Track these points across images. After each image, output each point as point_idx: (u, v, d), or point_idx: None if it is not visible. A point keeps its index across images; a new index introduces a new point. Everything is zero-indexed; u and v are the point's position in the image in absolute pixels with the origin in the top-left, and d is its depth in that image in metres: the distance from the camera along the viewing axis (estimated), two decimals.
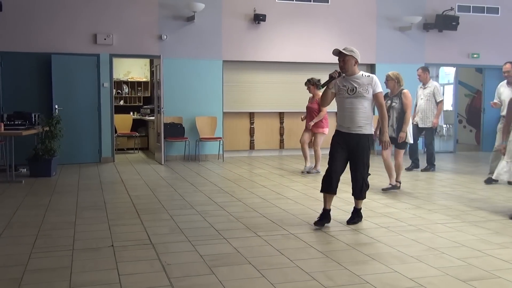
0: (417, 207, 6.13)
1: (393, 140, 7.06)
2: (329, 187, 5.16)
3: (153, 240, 4.65)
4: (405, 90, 7.07)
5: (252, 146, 11.57)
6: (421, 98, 9.02)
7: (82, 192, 7.08)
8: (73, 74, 9.98)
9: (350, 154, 5.11)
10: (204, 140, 10.75)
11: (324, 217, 5.17)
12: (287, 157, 11.31)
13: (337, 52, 5.07)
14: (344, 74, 5.09)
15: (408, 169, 9.07)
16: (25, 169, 8.75)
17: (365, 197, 5.28)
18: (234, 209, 5.98)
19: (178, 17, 10.62)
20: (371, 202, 6.34)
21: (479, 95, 13.39)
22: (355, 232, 4.97)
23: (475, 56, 12.56)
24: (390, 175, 7.15)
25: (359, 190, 5.19)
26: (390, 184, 7.14)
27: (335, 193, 5.21)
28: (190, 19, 10.55)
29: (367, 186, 5.22)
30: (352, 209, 5.41)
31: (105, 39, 10.16)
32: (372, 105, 5.15)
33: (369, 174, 5.25)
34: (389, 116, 6.90)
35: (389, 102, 7.09)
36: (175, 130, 10.53)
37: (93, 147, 10.26)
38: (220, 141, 10.92)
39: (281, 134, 11.75)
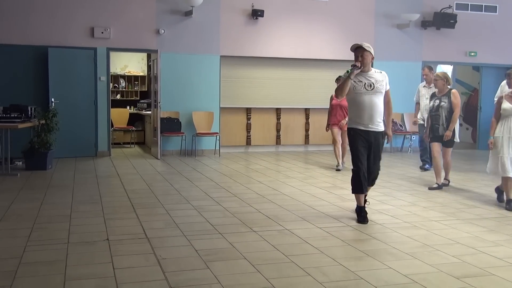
0: (413, 204, 6.15)
1: (439, 139, 7.15)
2: (362, 188, 5.25)
3: (149, 234, 4.65)
4: (454, 90, 7.07)
5: (248, 142, 11.57)
6: (426, 98, 8.58)
7: (77, 186, 7.07)
8: (70, 67, 9.94)
9: (369, 150, 5.21)
10: (201, 135, 10.74)
11: (364, 213, 5.28)
12: (284, 153, 11.31)
13: (354, 48, 5.14)
14: (360, 68, 5.11)
15: (422, 168, 9.01)
16: (20, 162, 8.73)
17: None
18: (230, 204, 5.98)
19: (176, 11, 10.59)
20: (367, 199, 6.34)
21: (476, 93, 13.41)
22: (350, 229, 4.98)
23: (472, 54, 12.57)
24: (437, 175, 7.23)
25: (374, 179, 5.41)
26: (436, 183, 7.19)
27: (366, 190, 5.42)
28: (188, 13, 10.52)
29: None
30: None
31: (102, 32, 10.12)
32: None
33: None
34: (439, 115, 7.06)
35: (437, 101, 7.10)
36: (171, 125, 10.51)
37: (89, 141, 10.23)
38: (216, 136, 10.91)
39: (278, 130, 11.74)
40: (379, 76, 5.18)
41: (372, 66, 5.24)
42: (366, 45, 5.12)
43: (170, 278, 3.54)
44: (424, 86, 8.98)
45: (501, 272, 3.76)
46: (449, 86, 7.11)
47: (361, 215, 5.24)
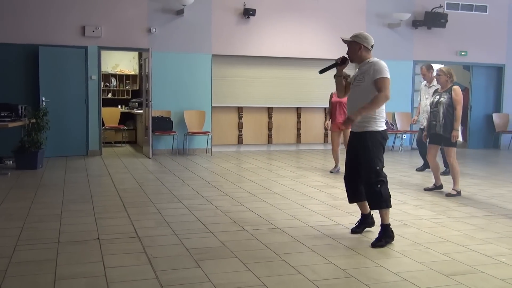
0: (404, 202, 6.17)
1: (439, 138, 6.74)
2: (349, 197, 4.74)
3: (140, 233, 4.64)
4: (455, 86, 6.67)
5: (240, 141, 11.57)
6: (426, 98, 8.48)
7: (68, 185, 7.04)
8: (60, 66, 9.89)
9: (357, 155, 4.50)
10: (192, 134, 10.73)
11: (363, 223, 4.79)
12: (275, 152, 11.32)
13: (343, 40, 4.59)
14: (343, 63, 4.59)
15: (419, 169, 8.77)
16: (11, 161, 8.67)
17: (380, 208, 4.38)
18: (221, 203, 5.98)
19: (168, 10, 10.56)
20: None
21: (467, 92, 13.49)
22: (341, 227, 4.99)
23: (463, 53, 12.64)
24: (436, 178, 6.90)
25: (369, 198, 4.47)
26: (453, 189, 6.70)
27: (360, 200, 4.68)
28: (180, 12, 10.50)
29: (380, 194, 4.35)
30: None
31: (93, 31, 10.08)
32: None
33: (382, 181, 4.38)
34: (437, 112, 6.66)
35: (437, 97, 6.72)
36: (163, 124, 10.49)
37: (80, 140, 10.18)
38: (208, 135, 10.90)
39: (270, 129, 11.75)
40: (366, 66, 4.45)
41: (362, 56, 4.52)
42: (353, 35, 4.49)
43: (161, 277, 3.53)
44: (425, 85, 8.67)
45: (490, 270, 3.79)
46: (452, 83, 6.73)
47: (356, 223, 4.85)
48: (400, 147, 12.07)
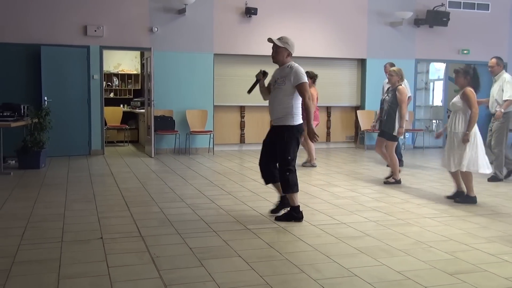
0: (406, 201, 6.17)
1: (381, 133, 7.31)
2: (264, 179, 5.33)
3: (143, 232, 4.65)
4: (400, 86, 7.10)
5: (242, 140, 11.57)
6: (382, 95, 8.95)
7: (71, 185, 7.05)
8: (62, 65, 9.90)
9: (275, 146, 5.09)
10: (195, 133, 10.73)
11: (281, 204, 5.35)
12: None
13: (271, 41, 5.10)
14: (267, 73, 5.31)
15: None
16: (13, 161, 8.68)
17: (288, 192, 5.07)
18: (224, 202, 5.99)
19: (169, 9, 10.57)
20: (361, 197, 6.38)
21: None
22: (344, 226, 4.99)
23: (465, 52, 12.63)
24: (394, 169, 7.33)
25: (281, 183, 5.11)
26: (392, 178, 7.33)
27: (274, 182, 5.25)
28: (181, 11, 10.50)
29: (288, 181, 5.00)
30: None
31: (95, 31, 10.09)
32: (295, 96, 4.99)
33: (290, 170, 4.99)
34: (383, 109, 7.31)
35: (385, 95, 7.34)
36: (165, 123, 10.49)
37: (83, 140, 10.19)
38: (210, 134, 10.90)
39: None
40: (286, 70, 5.04)
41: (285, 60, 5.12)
42: (283, 40, 5.10)
43: (164, 276, 3.54)
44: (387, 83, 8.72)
45: (493, 268, 3.78)
46: (402, 83, 7.18)
47: (275, 204, 5.44)
48: (403, 146, 12.04)
